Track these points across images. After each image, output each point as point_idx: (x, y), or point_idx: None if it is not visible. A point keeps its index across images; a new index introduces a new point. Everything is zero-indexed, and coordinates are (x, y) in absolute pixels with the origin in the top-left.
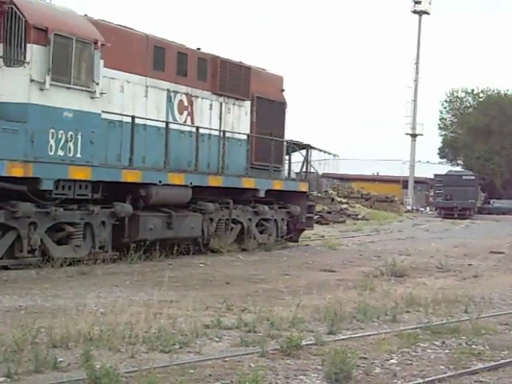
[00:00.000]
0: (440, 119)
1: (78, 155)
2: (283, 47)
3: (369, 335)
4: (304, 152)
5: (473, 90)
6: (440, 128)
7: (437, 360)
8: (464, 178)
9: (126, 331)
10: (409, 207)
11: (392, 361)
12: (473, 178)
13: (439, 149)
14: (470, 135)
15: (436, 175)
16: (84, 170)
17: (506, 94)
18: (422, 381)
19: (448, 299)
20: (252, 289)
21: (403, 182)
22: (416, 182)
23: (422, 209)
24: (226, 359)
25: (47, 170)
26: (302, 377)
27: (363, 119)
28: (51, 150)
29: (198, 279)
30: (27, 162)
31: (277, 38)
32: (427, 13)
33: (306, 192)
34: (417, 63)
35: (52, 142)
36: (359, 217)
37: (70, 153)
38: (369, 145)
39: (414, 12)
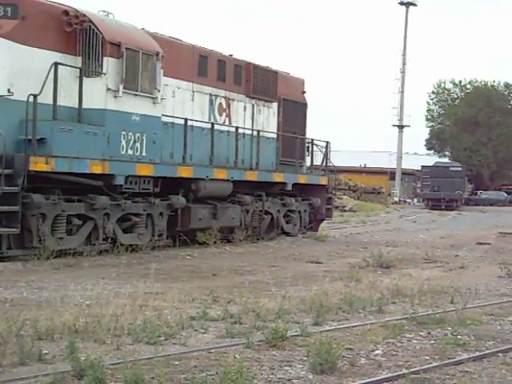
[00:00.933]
0: (427, 111)
1: (144, 154)
2: (268, 37)
3: (354, 326)
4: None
5: (460, 82)
6: (427, 119)
7: (422, 350)
8: (451, 169)
9: (111, 323)
10: (396, 199)
11: (377, 351)
12: (460, 169)
13: (426, 140)
14: (458, 127)
15: (423, 167)
16: (148, 167)
17: (493, 86)
18: (406, 371)
19: (434, 290)
20: (238, 280)
21: (390, 174)
22: (403, 173)
23: (409, 200)
24: (212, 351)
25: (120, 167)
26: (287, 368)
27: (350, 110)
28: (123, 150)
29: (185, 271)
30: (104, 160)
31: (261, 30)
32: (414, 4)
33: (325, 185)
34: (404, 55)
35: (123, 142)
36: (346, 208)
37: (137, 152)
38: (356, 136)
39: (401, 3)
